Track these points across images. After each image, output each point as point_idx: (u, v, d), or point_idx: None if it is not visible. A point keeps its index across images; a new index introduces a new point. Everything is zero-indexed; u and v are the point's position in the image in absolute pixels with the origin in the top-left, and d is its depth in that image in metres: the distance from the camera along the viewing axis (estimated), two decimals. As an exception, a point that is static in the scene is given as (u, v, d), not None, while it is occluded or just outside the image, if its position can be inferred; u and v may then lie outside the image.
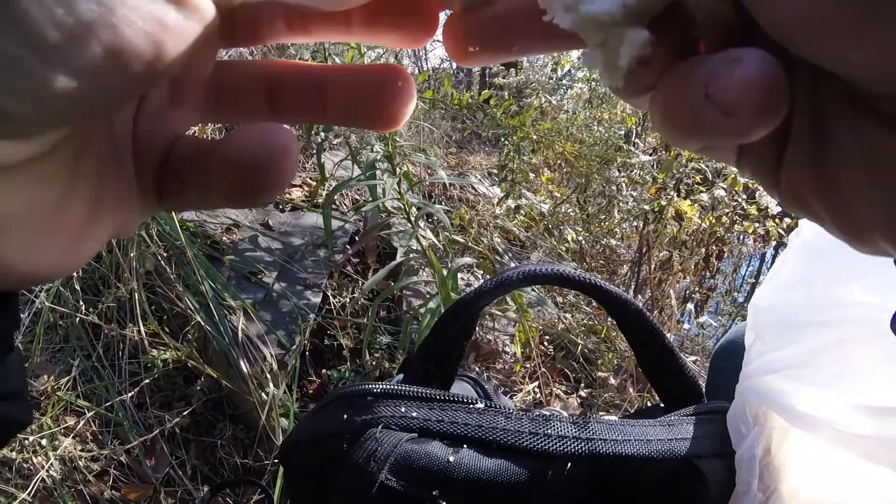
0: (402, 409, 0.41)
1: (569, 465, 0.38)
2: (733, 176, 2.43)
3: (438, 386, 0.51)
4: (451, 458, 0.38)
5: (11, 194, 0.19)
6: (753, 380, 0.49)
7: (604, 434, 0.40)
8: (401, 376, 0.53)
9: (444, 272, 1.42)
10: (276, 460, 1.58)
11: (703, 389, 0.57)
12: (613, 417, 0.43)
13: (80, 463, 1.51)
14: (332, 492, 0.42)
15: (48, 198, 0.20)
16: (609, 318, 2.24)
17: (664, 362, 0.55)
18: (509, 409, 0.40)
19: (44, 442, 1.50)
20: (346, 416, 0.43)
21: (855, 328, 0.46)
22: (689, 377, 0.56)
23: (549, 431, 0.39)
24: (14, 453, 1.46)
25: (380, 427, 0.40)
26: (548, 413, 0.40)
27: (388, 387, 0.44)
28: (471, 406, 0.41)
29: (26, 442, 1.48)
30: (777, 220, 2.57)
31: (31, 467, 1.46)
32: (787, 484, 0.45)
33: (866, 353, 0.45)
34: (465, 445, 0.39)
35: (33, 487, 1.42)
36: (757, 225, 2.63)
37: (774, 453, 0.46)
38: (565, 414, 0.41)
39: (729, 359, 0.72)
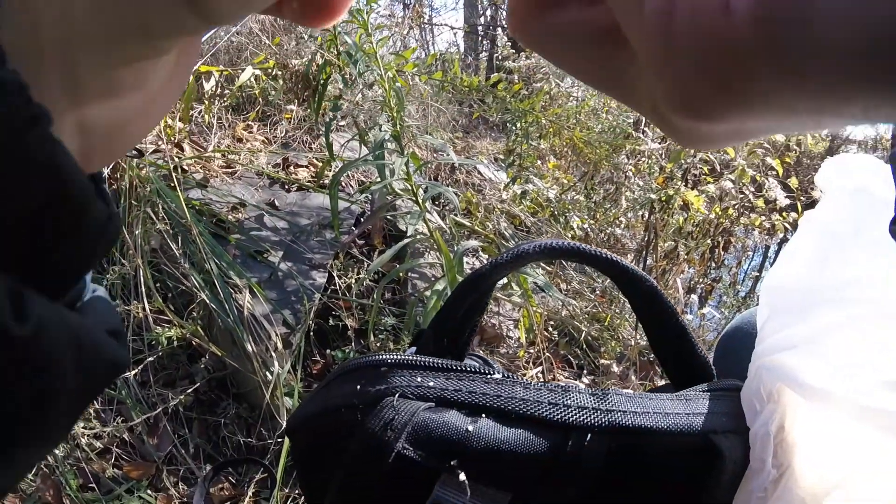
0: (419, 379, 0.41)
1: (588, 436, 0.38)
2: (741, 168, 2.42)
3: (451, 360, 0.51)
4: (470, 428, 0.38)
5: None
6: (767, 357, 0.48)
7: (623, 406, 0.40)
8: (413, 349, 0.52)
9: (451, 255, 1.42)
10: (279, 439, 1.58)
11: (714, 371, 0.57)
12: (629, 390, 0.42)
13: (82, 441, 1.52)
14: (343, 463, 0.42)
15: None
16: (613, 306, 2.24)
17: (677, 342, 0.55)
18: (527, 380, 0.40)
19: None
20: (359, 386, 0.43)
21: (869, 306, 0.45)
22: (702, 357, 0.55)
23: (569, 402, 0.39)
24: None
25: (396, 396, 0.40)
26: (565, 384, 0.40)
27: (403, 357, 0.43)
28: (488, 376, 0.41)
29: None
30: (784, 214, 2.57)
31: (33, 444, 1.47)
32: (800, 461, 0.44)
33: (881, 331, 0.44)
34: (483, 415, 0.39)
35: (35, 465, 1.42)
36: (763, 218, 2.63)
37: (788, 430, 0.46)
38: (582, 385, 0.41)
39: (736, 344, 0.72)
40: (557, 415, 0.38)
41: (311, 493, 0.48)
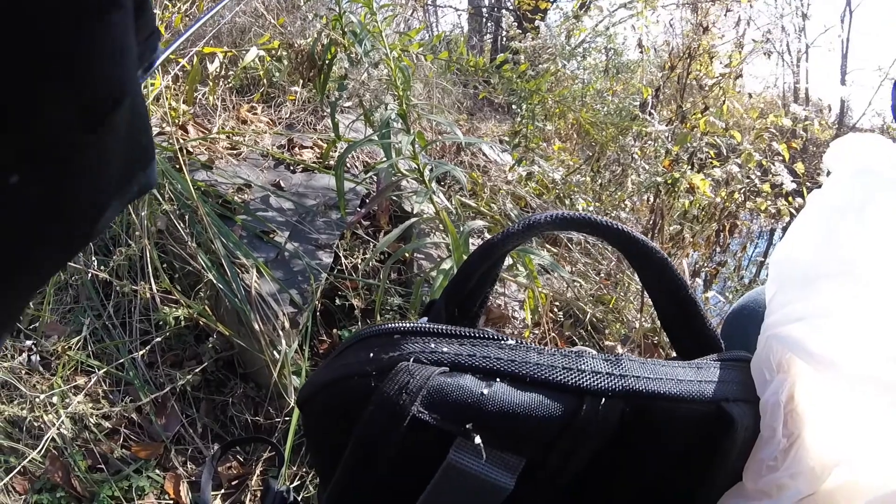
0: (432, 345, 0.41)
1: (603, 400, 0.38)
2: (748, 152, 2.41)
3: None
4: (485, 391, 0.38)
5: None
6: (777, 328, 0.49)
7: (636, 371, 0.40)
8: (424, 319, 0.53)
9: (457, 235, 1.42)
10: (287, 418, 1.60)
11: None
12: (640, 357, 0.43)
13: (90, 421, 1.53)
14: (357, 428, 0.42)
15: None
16: (618, 289, 2.24)
17: (687, 314, 0.55)
18: (541, 347, 0.40)
19: (55, 400, 1.51)
20: (372, 354, 0.43)
21: (874, 281, 0.46)
22: (711, 330, 0.56)
23: (583, 367, 0.39)
24: (25, 412, 1.48)
25: (411, 360, 0.40)
26: (578, 349, 0.41)
27: (416, 325, 0.43)
28: (502, 342, 0.41)
29: (37, 400, 1.50)
30: (790, 199, 2.56)
31: (42, 426, 1.48)
32: (810, 430, 0.45)
33: (887, 305, 0.45)
34: (497, 379, 0.39)
35: (43, 447, 1.43)
36: (769, 203, 2.63)
37: (798, 400, 0.46)
38: (594, 351, 0.41)
39: (743, 321, 0.72)
40: (572, 379, 0.39)
41: (322, 464, 0.49)
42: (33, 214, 0.18)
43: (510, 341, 0.41)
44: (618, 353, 0.41)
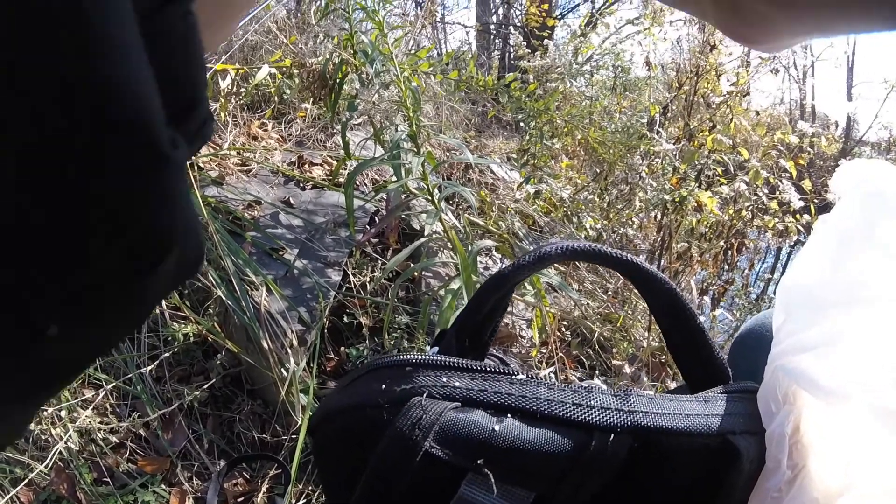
0: (444, 379, 0.42)
1: (612, 436, 0.39)
2: (755, 169, 2.42)
3: (472, 360, 0.52)
4: (496, 427, 0.39)
5: None
6: (784, 359, 0.49)
7: (644, 406, 0.40)
8: (435, 349, 0.53)
9: (466, 254, 1.43)
10: (293, 436, 1.60)
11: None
12: (649, 392, 0.43)
13: (97, 435, 1.53)
14: (370, 461, 0.42)
15: None
16: (625, 308, 2.24)
17: (695, 344, 0.56)
18: (551, 381, 0.41)
19: (62, 414, 1.52)
20: (384, 386, 0.43)
21: (883, 308, 0.46)
22: (719, 360, 0.56)
23: (592, 403, 0.40)
24: (32, 424, 1.49)
25: (424, 395, 0.41)
26: (587, 384, 0.41)
27: (428, 357, 0.44)
28: (513, 377, 0.42)
29: (44, 413, 1.51)
30: (797, 216, 2.56)
31: (49, 439, 1.48)
32: (815, 461, 0.45)
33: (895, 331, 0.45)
34: (508, 415, 0.40)
35: (50, 459, 1.44)
36: (776, 220, 2.62)
37: (804, 432, 0.47)
38: (604, 386, 0.42)
39: (750, 345, 0.72)
40: (581, 415, 0.39)
41: (332, 492, 0.49)
42: (65, 363, 0.18)
43: (521, 376, 0.42)
44: (626, 388, 0.42)
